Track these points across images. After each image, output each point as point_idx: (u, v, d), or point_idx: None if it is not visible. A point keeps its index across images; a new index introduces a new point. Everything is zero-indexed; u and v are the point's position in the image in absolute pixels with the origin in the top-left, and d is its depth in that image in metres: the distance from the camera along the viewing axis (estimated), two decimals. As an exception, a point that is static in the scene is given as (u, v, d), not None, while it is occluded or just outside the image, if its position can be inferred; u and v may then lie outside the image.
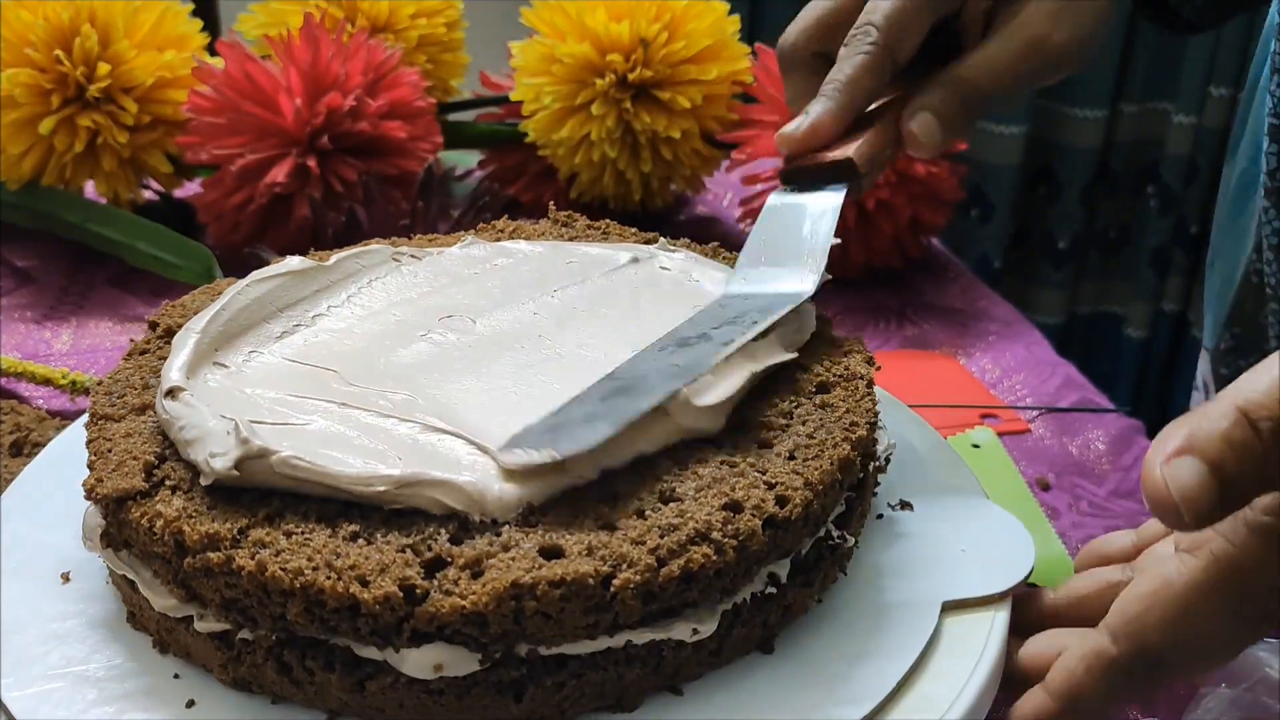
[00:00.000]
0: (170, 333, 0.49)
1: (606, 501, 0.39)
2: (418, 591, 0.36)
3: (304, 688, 0.38)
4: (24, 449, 0.58)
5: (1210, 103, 1.54)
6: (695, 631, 0.38)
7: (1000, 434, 0.68)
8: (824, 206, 0.52)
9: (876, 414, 0.45)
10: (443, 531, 0.38)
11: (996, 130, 1.64)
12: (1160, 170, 1.64)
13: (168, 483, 0.40)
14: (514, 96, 0.84)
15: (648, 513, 0.38)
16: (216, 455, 0.39)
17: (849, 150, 0.52)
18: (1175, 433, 0.35)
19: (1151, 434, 0.70)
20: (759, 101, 0.84)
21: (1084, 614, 0.45)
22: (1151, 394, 1.69)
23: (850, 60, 0.54)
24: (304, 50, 0.76)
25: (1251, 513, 0.36)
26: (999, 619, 0.44)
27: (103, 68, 0.77)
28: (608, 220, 0.59)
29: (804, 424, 0.44)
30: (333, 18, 0.84)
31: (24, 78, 0.76)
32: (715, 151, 0.87)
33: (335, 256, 0.53)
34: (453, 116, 0.90)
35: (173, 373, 0.43)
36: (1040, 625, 0.46)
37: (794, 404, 0.45)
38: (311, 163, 0.75)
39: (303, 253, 0.56)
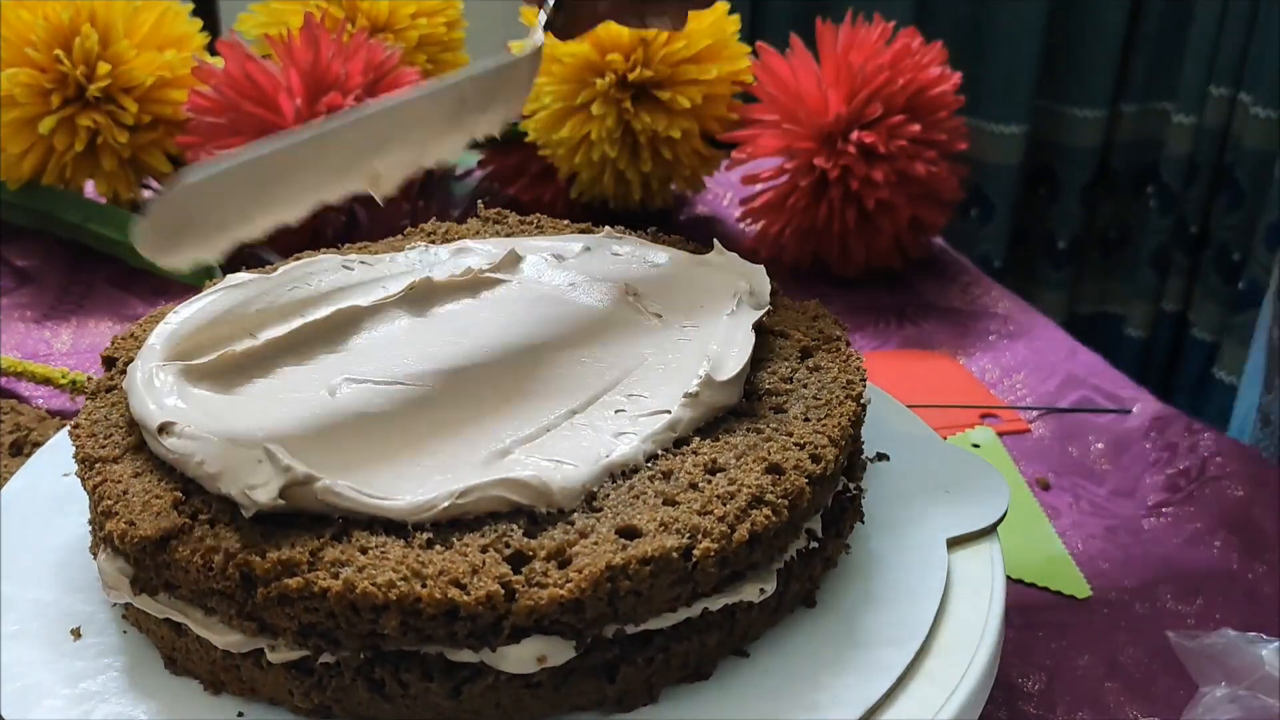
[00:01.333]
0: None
1: (659, 479, 0.41)
2: (513, 586, 0.36)
3: (396, 702, 0.38)
4: (24, 449, 0.58)
5: (1210, 103, 1.54)
6: (762, 591, 0.40)
7: (1000, 434, 0.68)
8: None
9: (864, 371, 0.47)
10: (515, 528, 0.38)
11: (997, 130, 1.63)
12: (1160, 170, 1.63)
13: (201, 517, 0.39)
14: (514, 96, 0.84)
15: (700, 485, 0.40)
16: (256, 487, 0.37)
17: None
18: None
19: (1152, 434, 0.70)
20: (759, 101, 0.84)
21: None
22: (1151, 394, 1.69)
23: None
24: (304, 50, 0.76)
25: None
26: (995, 549, 0.47)
27: (103, 67, 0.77)
28: (539, 215, 0.59)
29: (805, 387, 0.46)
30: (333, 18, 0.84)
31: (24, 77, 0.76)
32: (715, 151, 0.87)
33: (282, 267, 0.52)
34: (453, 116, 0.90)
35: (152, 407, 0.41)
36: None
37: (790, 370, 0.47)
38: (311, 163, 0.75)
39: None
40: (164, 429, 0.40)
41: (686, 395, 0.43)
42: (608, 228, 0.57)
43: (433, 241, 0.56)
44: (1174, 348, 1.68)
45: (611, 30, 0.80)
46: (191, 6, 0.83)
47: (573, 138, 0.82)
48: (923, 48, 0.83)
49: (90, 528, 0.44)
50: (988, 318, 0.83)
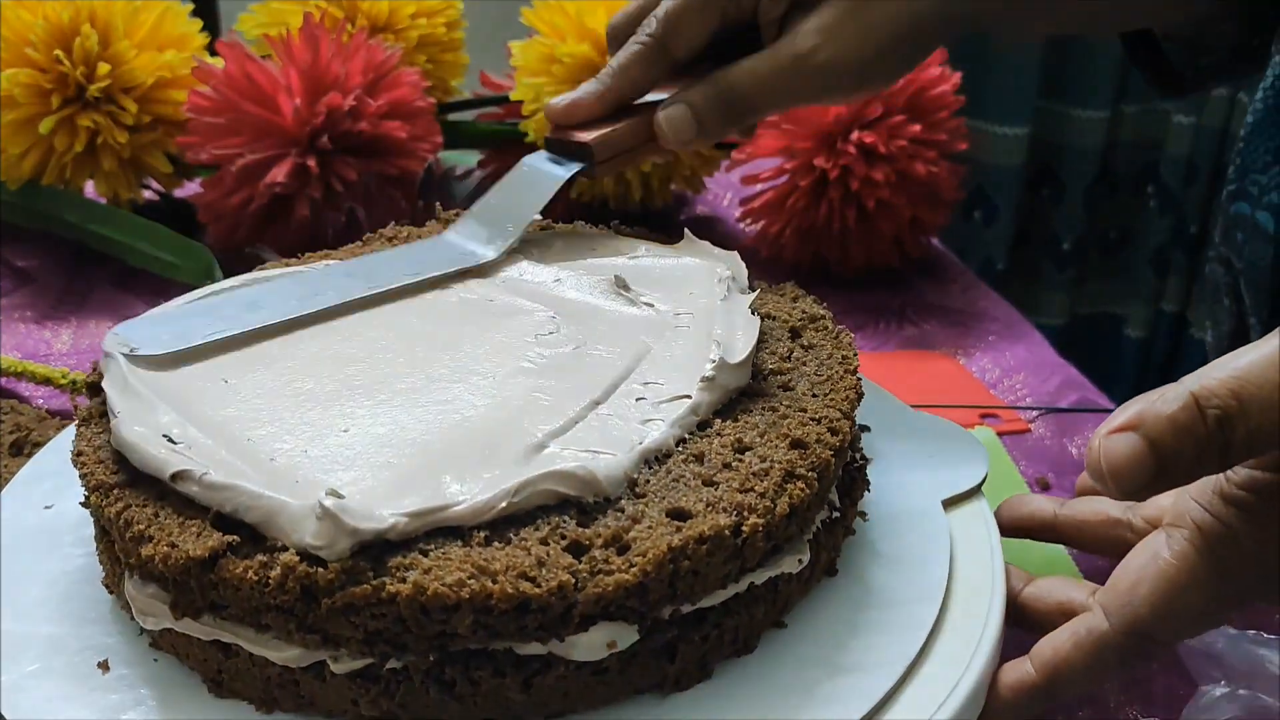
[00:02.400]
0: None
1: (693, 461, 0.42)
2: (580, 575, 0.37)
3: (466, 702, 0.38)
4: (24, 449, 0.58)
5: (1210, 103, 1.54)
6: (800, 561, 0.42)
7: (1000, 434, 0.68)
8: (548, 178, 0.56)
9: (855, 346, 0.49)
10: (566, 519, 0.39)
11: (999, 131, 1.63)
12: (1160, 170, 1.63)
13: (244, 531, 0.38)
14: (514, 96, 0.84)
15: (733, 464, 0.41)
16: (318, 547, 0.36)
17: (589, 135, 0.55)
18: (1129, 408, 0.37)
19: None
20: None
21: (1082, 538, 0.50)
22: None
23: (626, 49, 0.57)
24: (304, 50, 0.76)
25: (1228, 486, 0.38)
26: (983, 506, 0.49)
27: (103, 68, 0.77)
28: None
29: (804, 364, 0.48)
30: (333, 18, 0.84)
31: (24, 78, 0.76)
32: (715, 151, 0.87)
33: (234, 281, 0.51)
34: (453, 116, 0.90)
35: (160, 453, 0.39)
36: (1037, 531, 0.51)
37: (786, 349, 0.49)
38: (311, 163, 0.75)
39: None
40: (179, 477, 0.39)
41: (703, 379, 0.44)
42: (579, 222, 0.58)
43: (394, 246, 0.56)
44: (1173, 348, 1.68)
45: (611, 30, 0.80)
46: (191, 6, 0.83)
47: (573, 138, 0.82)
48: (923, 48, 0.83)
49: (102, 557, 0.43)
50: (988, 318, 0.83)
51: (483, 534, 0.38)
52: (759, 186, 0.85)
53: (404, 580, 0.36)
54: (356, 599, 0.36)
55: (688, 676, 0.40)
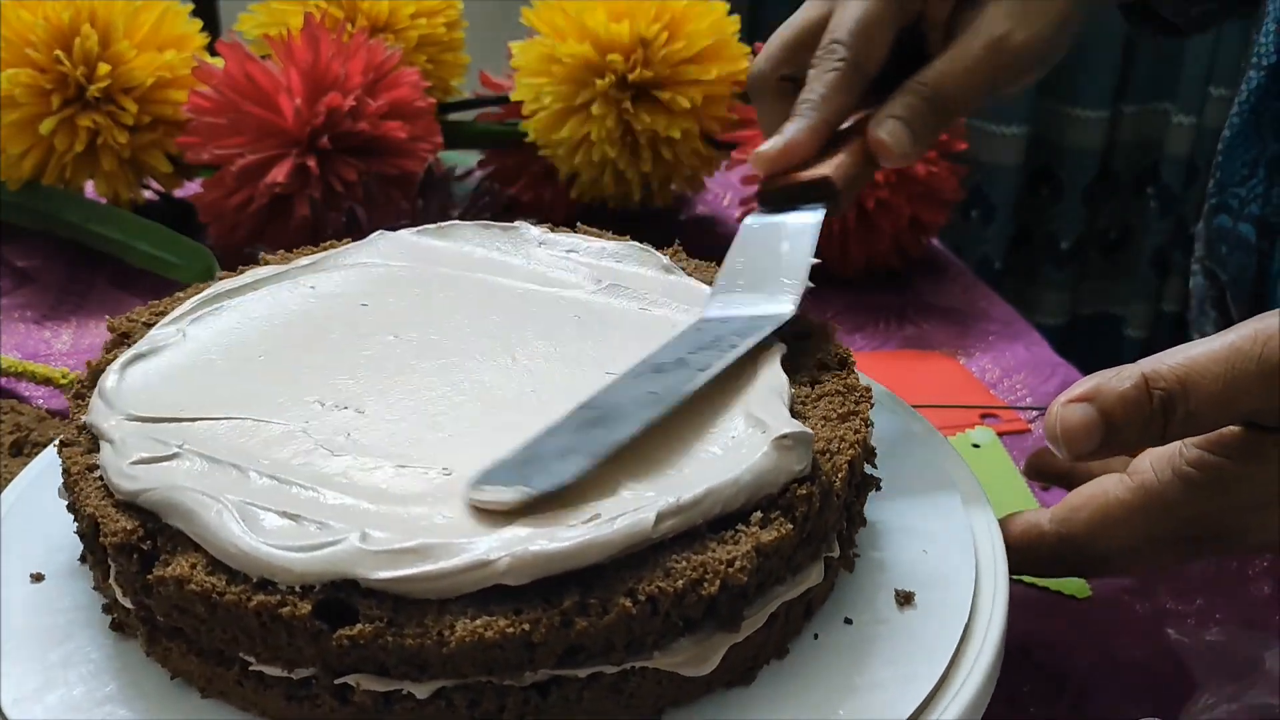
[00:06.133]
0: None
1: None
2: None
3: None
4: (24, 449, 0.58)
5: (1210, 103, 1.54)
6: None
7: (1000, 434, 0.68)
8: (803, 225, 0.51)
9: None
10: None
11: (998, 131, 1.63)
12: (1160, 171, 1.64)
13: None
14: (514, 96, 0.84)
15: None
16: (800, 470, 0.39)
17: (825, 169, 0.52)
18: (1086, 382, 0.42)
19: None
20: (759, 101, 0.83)
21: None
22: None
23: (821, 79, 0.55)
24: (304, 50, 0.76)
25: (1179, 460, 0.43)
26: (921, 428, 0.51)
27: (103, 68, 0.77)
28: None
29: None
30: (333, 18, 0.84)
31: (24, 78, 0.76)
32: (715, 151, 0.87)
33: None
34: (453, 116, 0.90)
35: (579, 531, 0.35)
36: (1054, 476, 0.56)
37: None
38: (311, 163, 0.75)
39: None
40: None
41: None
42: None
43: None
44: (1174, 348, 1.68)
45: (611, 30, 0.80)
46: (191, 6, 0.83)
47: (573, 138, 0.82)
48: (923, 48, 0.83)
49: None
50: (988, 318, 0.83)
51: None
52: (758, 186, 0.85)
53: (838, 452, 0.40)
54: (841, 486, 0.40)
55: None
